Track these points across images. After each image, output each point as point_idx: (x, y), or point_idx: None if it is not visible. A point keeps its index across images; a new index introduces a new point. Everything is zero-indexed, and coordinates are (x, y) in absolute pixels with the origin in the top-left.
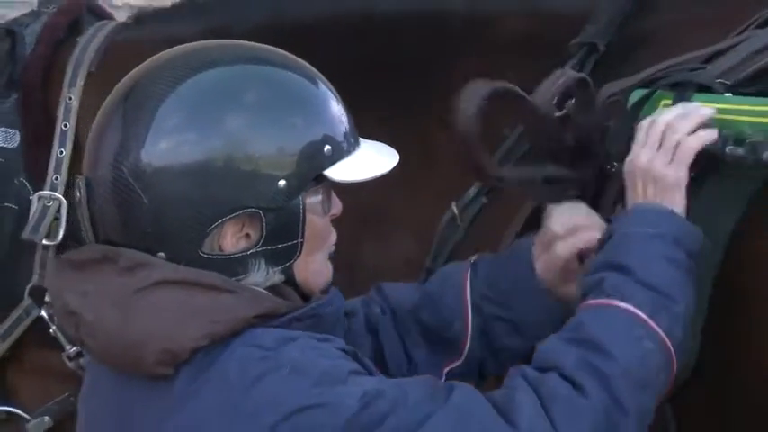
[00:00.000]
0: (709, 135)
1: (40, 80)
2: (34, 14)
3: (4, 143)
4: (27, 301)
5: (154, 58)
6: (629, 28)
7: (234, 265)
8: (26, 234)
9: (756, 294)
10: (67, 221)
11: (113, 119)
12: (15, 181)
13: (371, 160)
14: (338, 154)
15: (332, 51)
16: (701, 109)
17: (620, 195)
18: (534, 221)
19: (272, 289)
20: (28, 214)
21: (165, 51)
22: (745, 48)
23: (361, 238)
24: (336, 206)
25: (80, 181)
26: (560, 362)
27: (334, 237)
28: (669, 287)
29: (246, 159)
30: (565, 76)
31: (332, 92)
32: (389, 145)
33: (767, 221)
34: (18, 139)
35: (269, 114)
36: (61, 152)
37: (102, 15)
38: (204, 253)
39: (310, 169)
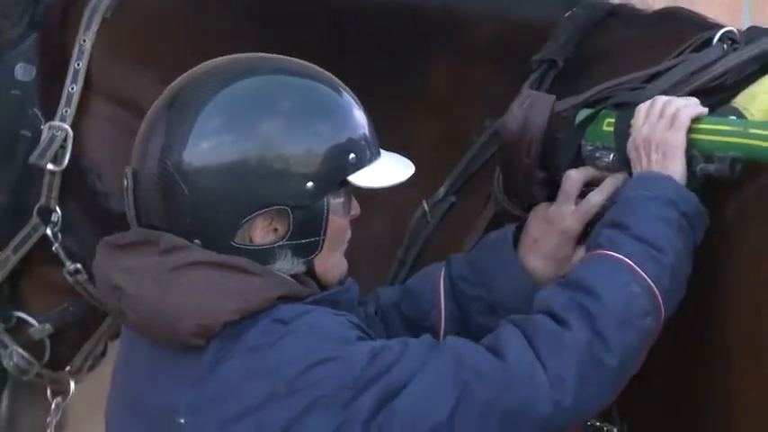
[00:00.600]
0: (702, 108)
1: (58, 22)
2: None
3: (22, 77)
4: (35, 219)
5: (196, 67)
6: (586, 45)
7: (261, 256)
8: (33, 158)
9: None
10: (72, 151)
11: (160, 120)
12: (29, 111)
13: (390, 169)
14: (361, 162)
15: (314, 36)
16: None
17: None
18: (495, 225)
19: (294, 277)
20: (38, 141)
21: (207, 62)
22: (681, 69)
23: None
24: (355, 208)
25: (128, 171)
26: (550, 303)
27: (349, 234)
28: (659, 240)
29: (279, 161)
30: (531, 97)
31: (357, 103)
32: (379, 133)
33: None
34: (34, 73)
35: (300, 121)
36: (72, 88)
37: None
38: (236, 243)
39: (335, 174)
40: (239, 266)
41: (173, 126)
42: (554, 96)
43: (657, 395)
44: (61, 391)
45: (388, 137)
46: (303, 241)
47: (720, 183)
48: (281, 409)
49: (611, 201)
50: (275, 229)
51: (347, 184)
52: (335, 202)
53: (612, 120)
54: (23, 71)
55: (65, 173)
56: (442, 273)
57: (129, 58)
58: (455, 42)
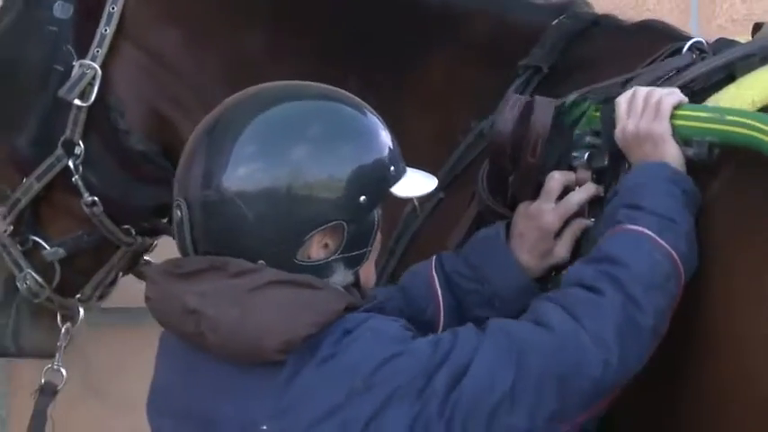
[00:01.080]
0: (682, 96)
1: None
2: None
3: (60, 14)
4: (59, 150)
5: (232, 96)
6: (570, 53)
7: (320, 271)
8: (62, 93)
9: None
10: (98, 89)
11: (201, 148)
12: (63, 47)
13: (418, 179)
14: (399, 174)
15: (321, 20)
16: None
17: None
18: (479, 223)
19: (345, 289)
20: (69, 77)
21: (241, 92)
22: (651, 74)
23: None
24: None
25: (180, 203)
26: (580, 277)
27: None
28: (671, 212)
29: (334, 180)
30: (519, 102)
31: (383, 123)
32: None
33: None
34: (71, 12)
35: (347, 142)
36: (105, 30)
37: None
38: (298, 260)
39: (382, 186)
40: (306, 282)
41: (223, 153)
42: (553, 100)
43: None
44: (70, 317)
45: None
46: (354, 253)
47: (699, 168)
48: (362, 404)
49: (613, 193)
50: (326, 245)
51: (387, 195)
52: (379, 214)
53: (598, 114)
54: (61, 9)
55: (90, 109)
56: (434, 268)
57: (157, 10)
58: (452, 41)
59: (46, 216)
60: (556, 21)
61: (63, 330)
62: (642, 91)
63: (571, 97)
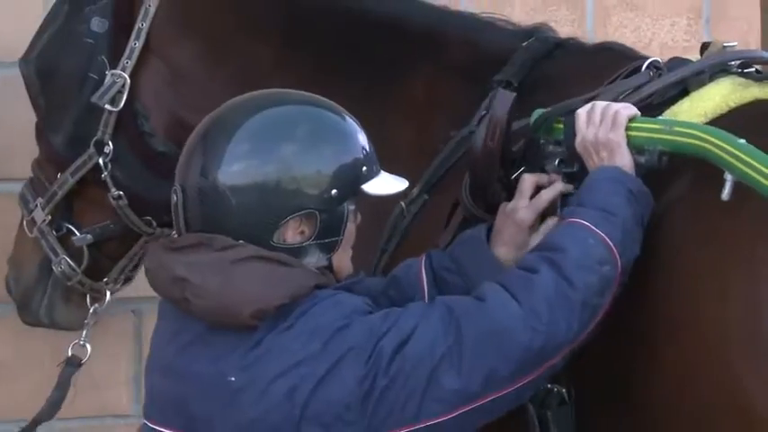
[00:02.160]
0: (635, 110)
1: None
2: None
3: (97, 29)
4: (91, 149)
5: (228, 102)
6: (537, 72)
7: (293, 253)
8: (95, 98)
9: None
10: (127, 95)
11: (204, 143)
12: (98, 58)
13: (390, 180)
14: (370, 174)
15: (320, 39)
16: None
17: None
18: (464, 226)
19: (320, 270)
20: (102, 84)
21: (232, 99)
22: (613, 91)
23: None
24: (359, 217)
25: (177, 188)
26: (523, 262)
27: (354, 237)
28: (610, 206)
29: (311, 174)
30: (496, 117)
31: (361, 127)
32: (366, 126)
33: None
34: (107, 27)
35: (325, 142)
36: (135, 44)
37: None
38: (273, 242)
39: (353, 183)
40: (283, 260)
41: (210, 150)
42: (512, 93)
43: (597, 364)
44: (99, 299)
45: (373, 135)
46: (326, 241)
47: (647, 175)
48: (318, 362)
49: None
50: (302, 231)
51: (359, 193)
52: (350, 208)
53: (561, 125)
54: (98, 24)
55: (119, 113)
56: (423, 263)
57: (178, 27)
58: (433, 59)
59: (78, 207)
60: (525, 43)
61: (91, 310)
62: (600, 104)
63: (539, 112)
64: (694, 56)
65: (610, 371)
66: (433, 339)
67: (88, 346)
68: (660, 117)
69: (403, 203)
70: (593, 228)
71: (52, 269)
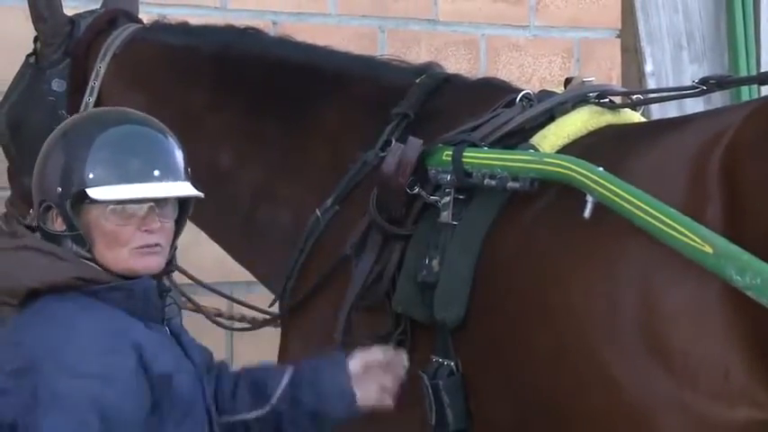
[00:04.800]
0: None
1: (84, 53)
2: (90, 12)
3: (57, 88)
4: None
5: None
6: (428, 104)
7: (56, 240)
8: None
9: (501, 265)
10: None
11: (55, 147)
12: (59, 112)
13: (139, 190)
14: (99, 181)
15: (249, 83)
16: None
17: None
18: (369, 231)
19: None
20: None
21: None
22: (495, 122)
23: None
24: (147, 222)
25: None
26: None
27: (137, 239)
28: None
29: (48, 176)
30: (400, 150)
31: (161, 143)
32: (290, 150)
33: (507, 221)
34: (65, 86)
35: (68, 149)
36: (89, 99)
37: (133, 20)
38: (46, 228)
39: (73, 184)
40: (46, 250)
41: (69, 150)
42: (421, 141)
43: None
44: None
45: (296, 157)
46: (74, 233)
47: (523, 195)
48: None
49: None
50: (60, 222)
51: (86, 196)
52: (95, 210)
53: (450, 152)
54: (57, 84)
55: None
56: (288, 376)
57: (125, 83)
58: (343, 94)
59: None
60: (418, 79)
61: None
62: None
63: (432, 144)
64: (560, 89)
65: (492, 346)
66: None
67: None
68: (535, 139)
69: (318, 212)
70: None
71: None
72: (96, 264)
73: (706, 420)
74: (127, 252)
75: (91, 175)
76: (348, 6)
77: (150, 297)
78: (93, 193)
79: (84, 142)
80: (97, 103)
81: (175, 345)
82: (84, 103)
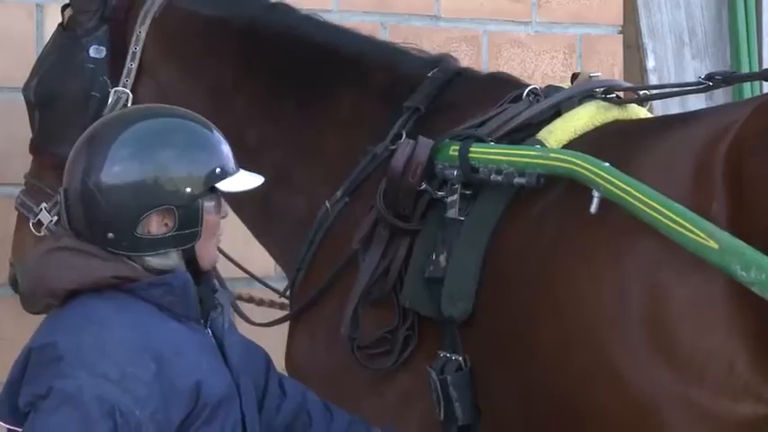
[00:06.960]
0: None
1: (123, 18)
2: None
3: (95, 55)
4: None
5: (109, 114)
6: (440, 98)
7: (156, 243)
8: (106, 112)
9: (508, 260)
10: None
11: (82, 151)
12: (100, 79)
13: (245, 180)
14: (224, 174)
15: (268, 61)
16: None
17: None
18: (376, 226)
19: (176, 267)
20: (107, 101)
21: (116, 111)
22: (502, 117)
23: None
24: (224, 211)
25: (61, 190)
26: None
27: (221, 231)
28: None
29: (168, 177)
30: (410, 146)
31: (221, 136)
32: (308, 136)
33: (514, 216)
34: (104, 53)
35: (182, 150)
36: (132, 65)
37: None
38: (137, 234)
39: (206, 183)
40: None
41: (92, 156)
42: (431, 141)
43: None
44: None
45: (313, 143)
46: (186, 231)
47: (529, 191)
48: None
49: None
50: (166, 224)
51: (216, 190)
52: (208, 204)
53: (457, 147)
54: (96, 51)
55: None
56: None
57: (163, 49)
58: (359, 81)
59: None
60: (430, 74)
61: None
62: None
63: (440, 139)
64: (566, 84)
65: (500, 341)
66: None
67: None
68: (541, 134)
69: (328, 204)
70: None
71: None
72: (194, 262)
73: (711, 415)
74: (213, 244)
75: (218, 170)
76: (350, 2)
77: (189, 290)
78: (222, 185)
79: (201, 142)
80: (139, 69)
81: (213, 346)
82: (126, 68)
